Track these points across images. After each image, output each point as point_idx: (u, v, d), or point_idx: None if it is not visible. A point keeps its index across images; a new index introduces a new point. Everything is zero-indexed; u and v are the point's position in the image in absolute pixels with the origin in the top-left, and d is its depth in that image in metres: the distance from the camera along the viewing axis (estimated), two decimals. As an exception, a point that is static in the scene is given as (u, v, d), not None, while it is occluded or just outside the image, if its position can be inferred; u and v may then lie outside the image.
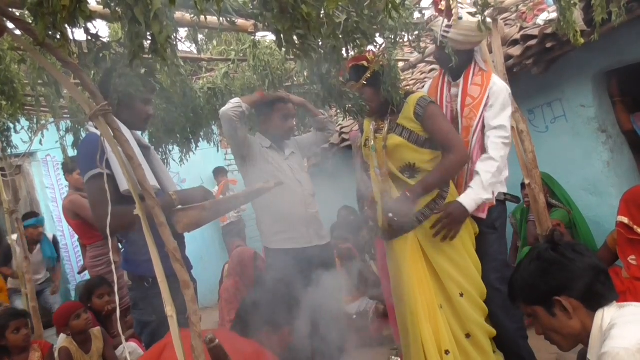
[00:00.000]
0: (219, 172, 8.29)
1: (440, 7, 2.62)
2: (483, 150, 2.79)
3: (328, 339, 3.02)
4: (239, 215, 8.14)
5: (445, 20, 2.70)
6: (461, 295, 2.67)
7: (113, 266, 1.93)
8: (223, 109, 3.14)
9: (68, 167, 4.73)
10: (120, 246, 3.42)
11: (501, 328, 2.76)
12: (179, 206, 2.24)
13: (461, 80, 2.88)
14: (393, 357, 3.89)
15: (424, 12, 2.89)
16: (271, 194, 3.05)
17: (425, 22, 2.78)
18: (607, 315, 1.59)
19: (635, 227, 3.18)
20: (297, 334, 2.96)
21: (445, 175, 2.70)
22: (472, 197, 2.66)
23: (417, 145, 2.74)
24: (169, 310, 1.71)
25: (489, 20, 2.76)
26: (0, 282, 5.12)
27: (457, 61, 2.73)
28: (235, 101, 3.13)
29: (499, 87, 2.81)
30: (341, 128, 6.03)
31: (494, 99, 2.77)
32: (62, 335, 3.59)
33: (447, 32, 2.73)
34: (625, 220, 3.21)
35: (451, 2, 2.44)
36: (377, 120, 2.90)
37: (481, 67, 2.86)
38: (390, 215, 2.63)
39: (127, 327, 4.02)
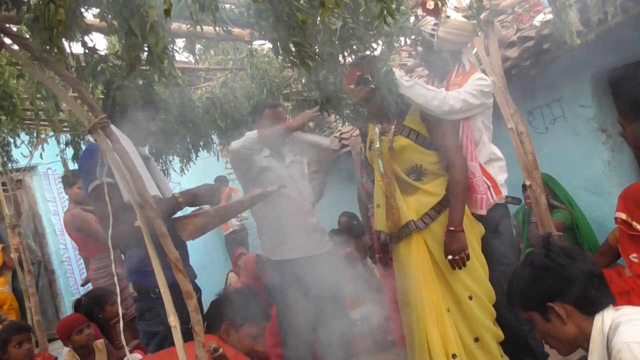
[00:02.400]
0: (221, 181, 8.29)
1: (428, 6, 2.63)
2: (473, 144, 2.77)
3: (332, 346, 3.02)
4: (242, 223, 8.13)
5: (433, 19, 2.70)
6: (470, 298, 2.65)
7: (116, 278, 1.93)
8: (235, 144, 3.09)
9: (68, 181, 4.73)
10: (123, 257, 3.42)
11: (512, 330, 2.75)
12: (186, 207, 2.24)
13: (444, 84, 2.89)
14: (398, 363, 3.87)
15: (420, 16, 2.89)
16: (272, 204, 3.06)
17: (413, 23, 2.79)
18: (607, 317, 1.59)
19: (634, 223, 3.17)
20: (302, 342, 2.95)
21: (463, 195, 2.68)
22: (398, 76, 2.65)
23: (424, 147, 2.73)
24: (173, 320, 1.71)
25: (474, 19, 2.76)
26: (10, 298, 5.13)
27: (446, 61, 2.73)
28: (251, 136, 3.05)
29: (475, 76, 2.76)
30: (341, 134, 6.03)
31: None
32: (66, 349, 3.59)
33: (435, 30, 2.73)
34: (624, 216, 3.21)
35: (439, 1, 2.44)
36: (384, 122, 2.88)
37: (465, 69, 2.83)
38: (450, 257, 2.60)
39: (133, 337, 4.03)
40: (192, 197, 2.28)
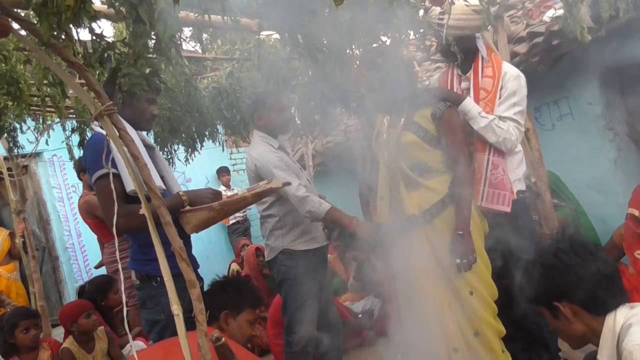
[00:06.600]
0: (222, 172, 8.29)
1: None
2: None
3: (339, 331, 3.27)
4: (245, 215, 8.14)
5: (439, 9, 2.68)
6: (471, 293, 2.64)
7: (119, 265, 1.94)
8: (313, 210, 2.98)
9: (82, 167, 4.72)
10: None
11: (530, 323, 2.78)
12: (188, 207, 2.24)
13: (471, 73, 2.82)
14: (398, 356, 3.88)
15: (427, 7, 2.86)
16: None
17: (423, 16, 2.76)
18: (620, 316, 1.56)
19: None
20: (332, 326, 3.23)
21: (469, 196, 2.66)
22: (471, 106, 2.71)
23: (431, 145, 2.70)
24: (175, 309, 1.71)
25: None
26: (16, 285, 5.16)
27: (460, 53, 2.70)
28: (319, 214, 2.97)
29: (510, 74, 2.76)
30: (346, 127, 6.01)
31: (505, 89, 2.74)
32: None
33: (442, 19, 2.69)
34: (636, 212, 3.17)
35: None
36: (393, 113, 2.84)
37: (483, 55, 2.80)
38: (458, 261, 2.57)
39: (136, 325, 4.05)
40: (195, 198, 2.29)
